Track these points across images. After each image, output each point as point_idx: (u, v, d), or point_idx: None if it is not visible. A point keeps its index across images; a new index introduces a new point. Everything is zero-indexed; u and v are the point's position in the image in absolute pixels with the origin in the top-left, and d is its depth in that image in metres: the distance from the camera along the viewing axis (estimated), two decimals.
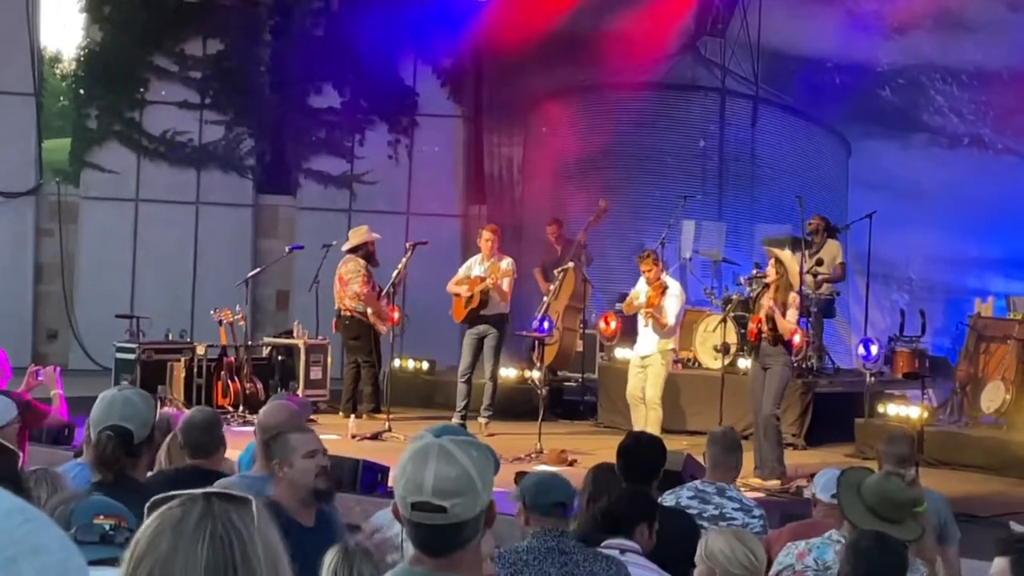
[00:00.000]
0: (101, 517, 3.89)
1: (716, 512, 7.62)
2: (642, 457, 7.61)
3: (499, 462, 3.59)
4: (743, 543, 5.60)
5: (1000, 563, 4.85)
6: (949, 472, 14.00)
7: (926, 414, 14.23)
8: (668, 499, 7.96)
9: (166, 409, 10.53)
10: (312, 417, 16.18)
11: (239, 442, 8.06)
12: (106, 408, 5.43)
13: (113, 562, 4.00)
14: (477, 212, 21.56)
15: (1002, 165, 19.37)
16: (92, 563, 3.91)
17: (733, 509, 7.83)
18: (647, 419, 14.40)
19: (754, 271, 16.27)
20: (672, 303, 14.42)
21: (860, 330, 17.99)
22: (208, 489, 2.41)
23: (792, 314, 13.28)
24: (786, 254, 13.95)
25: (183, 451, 6.84)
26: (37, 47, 21.56)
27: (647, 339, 14.54)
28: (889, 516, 6.03)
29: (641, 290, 14.58)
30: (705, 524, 7.54)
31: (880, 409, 15.23)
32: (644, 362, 14.54)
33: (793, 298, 13.39)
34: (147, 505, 2.43)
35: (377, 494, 10.53)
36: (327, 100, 21.52)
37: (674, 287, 14.62)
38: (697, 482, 8.24)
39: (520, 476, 7.70)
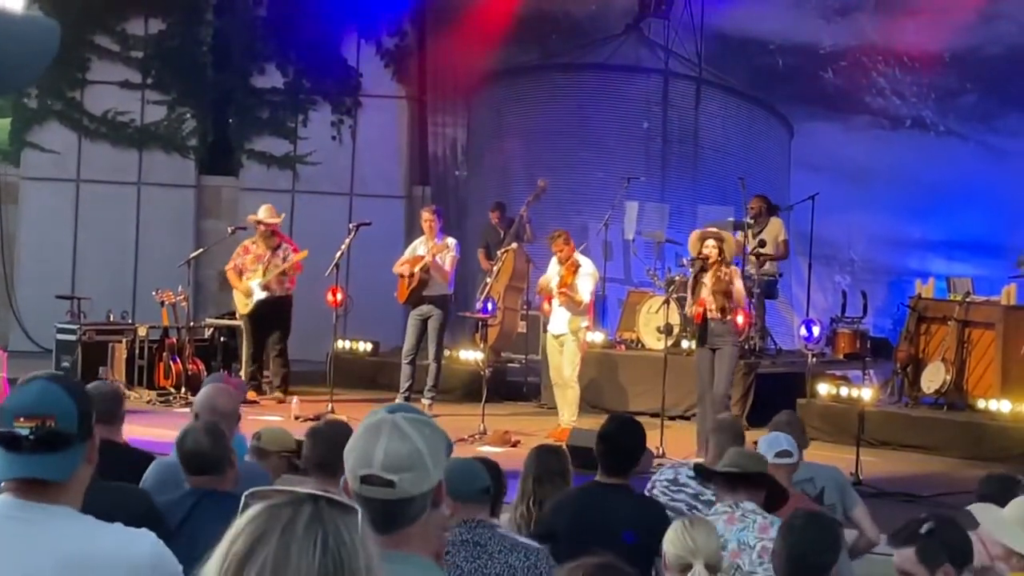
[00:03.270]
0: (22, 420, 3.45)
1: (693, 492, 7.59)
2: (624, 444, 7.20)
3: (452, 445, 3.58)
4: (686, 527, 5.58)
5: (906, 554, 4.83)
6: (890, 452, 14.14)
7: (868, 395, 14.31)
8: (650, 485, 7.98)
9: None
10: (255, 399, 16.17)
11: (181, 423, 7.97)
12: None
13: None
14: (421, 193, 21.51)
15: (944, 147, 19.45)
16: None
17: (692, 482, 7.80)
18: (565, 398, 14.47)
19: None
20: (585, 281, 14.48)
21: (802, 311, 18.07)
22: (313, 491, 2.39)
23: (739, 283, 13.39)
24: (729, 235, 13.99)
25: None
26: None
27: (559, 318, 14.60)
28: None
29: (553, 271, 14.64)
30: (683, 506, 7.53)
31: (821, 390, 15.31)
32: (559, 341, 14.61)
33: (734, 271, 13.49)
34: (245, 496, 2.40)
35: None
36: (270, 80, 21.39)
37: (587, 265, 14.69)
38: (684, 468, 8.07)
39: None
